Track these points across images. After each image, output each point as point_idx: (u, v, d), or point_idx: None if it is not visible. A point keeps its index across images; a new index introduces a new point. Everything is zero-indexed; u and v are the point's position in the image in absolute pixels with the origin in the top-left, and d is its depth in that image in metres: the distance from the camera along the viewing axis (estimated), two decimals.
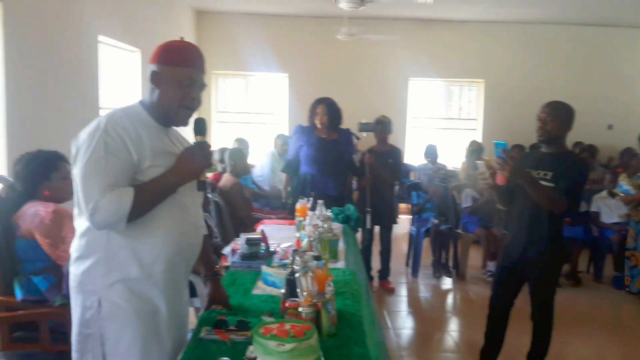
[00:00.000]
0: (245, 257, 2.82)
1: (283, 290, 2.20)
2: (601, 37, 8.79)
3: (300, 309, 2.00)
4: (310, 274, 2.07)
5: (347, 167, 4.71)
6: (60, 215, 2.45)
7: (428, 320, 4.65)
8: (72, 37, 4.50)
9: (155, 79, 1.80)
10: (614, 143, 8.19)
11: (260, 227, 3.70)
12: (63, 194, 2.61)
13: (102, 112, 4.99)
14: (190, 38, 8.08)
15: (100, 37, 5.06)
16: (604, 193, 5.68)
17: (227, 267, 2.88)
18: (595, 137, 8.08)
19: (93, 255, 1.76)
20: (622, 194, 5.51)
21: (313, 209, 3.66)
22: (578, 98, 8.15)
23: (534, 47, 8.82)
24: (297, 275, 2.05)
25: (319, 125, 4.50)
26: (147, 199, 1.72)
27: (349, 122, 6.76)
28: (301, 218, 3.56)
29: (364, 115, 8.50)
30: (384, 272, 5.24)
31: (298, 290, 2.06)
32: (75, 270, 1.81)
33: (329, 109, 4.49)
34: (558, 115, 2.94)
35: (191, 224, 1.92)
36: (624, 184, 5.56)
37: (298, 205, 3.66)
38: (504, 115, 8.66)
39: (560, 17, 8.33)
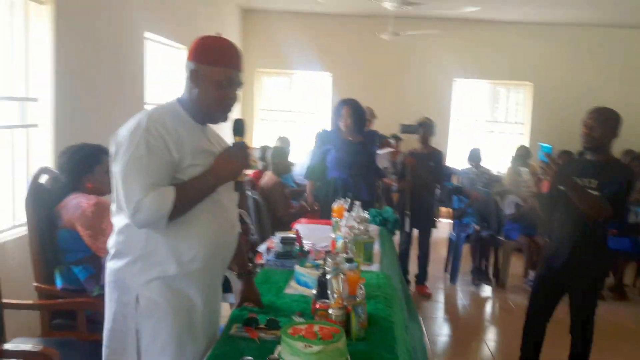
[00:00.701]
0: (279, 255, 2.83)
1: (314, 291, 2.19)
2: None
3: (330, 311, 1.99)
4: (341, 276, 2.05)
5: (377, 171, 4.62)
6: (102, 208, 2.51)
7: (464, 328, 4.56)
8: (120, 33, 4.62)
9: (194, 77, 1.81)
10: None
11: (296, 226, 3.70)
12: (105, 187, 2.67)
13: (147, 108, 5.08)
14: (235, 35, 8.19)
15: (147, 34, 5.17)
16: None
17: (261, 265, 2.89)
18: None
19: (131, 253, 1.79)
20: None
21: (350, 210, 3.64)
22: (630, 104, 7.89)
23: (585, 50, 8.52)
24: (328, 276, 2.03)
25: (343, 128, 4.35)
26: (188, 198, 1.73)
27: (391, 122, 6.71)
28: (337, 219, 3.55)
29: (407, 116, 8.46)
30: (422, 276, 5.16)
31: (329, 291, 2.05)
32: (112, 266, 1.84)
33: (353, 111, 4.33)
34: (604, 122, 2.85)
35: (228, 223, 1.94)
36: None
37: (335, 206, 3.65)
38: (552, 119, 8.40)
39: (613, 20, 8.02)
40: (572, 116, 7.02)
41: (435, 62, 8.60)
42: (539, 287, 3.17)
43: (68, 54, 3.79)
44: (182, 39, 5.98)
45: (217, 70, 1.79)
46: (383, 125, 6.96)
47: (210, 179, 1.77)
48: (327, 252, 2.29)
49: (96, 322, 2.43)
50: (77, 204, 2.54)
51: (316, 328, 1.80)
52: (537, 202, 3.11)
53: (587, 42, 8.51)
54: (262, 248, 3.16)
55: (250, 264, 2.23)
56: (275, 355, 1.74)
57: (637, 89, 8.36)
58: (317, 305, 2.04)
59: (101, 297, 2.40)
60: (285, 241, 2.87)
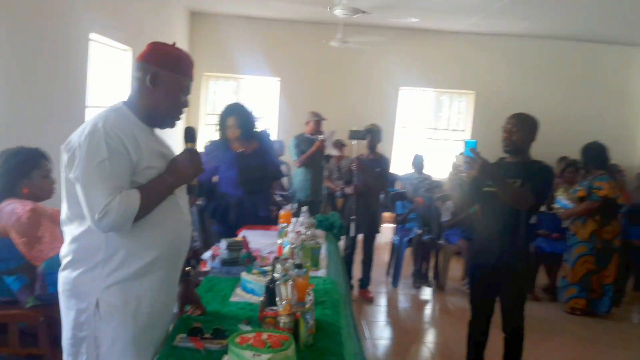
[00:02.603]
0: (225, 262, 2.80)
1: (262, 298, 2.18)
2: (592, 53, 8.86)
3: (278, 318, 1.99)
4: (290, 282, 2.06)
5: (274, 177, 4.29)
6: (38, 214, 2.41)
7: (406, 330, 4.64)
8: (63, 34, 4.44)
9: (156, 81, 1.81)
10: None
11: (242, 233, 3.67)
12: (43, 192, 2.58)
13: (89, 111, 4.92)
14: (183, 39, 8.06)
15: (92, 35, 5.01)
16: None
17: (205, 273, 2.85)
18: None
19: (90, 259, 1.77)
20: (561, 209, 5.29)
21: (296, 215, 3.66)
22: (568, 113, 8.23)
23: (525, 60, 8.89)
24: (277, 283, 2.03)
25: (232, 139, 3.98)
26: (150, 200, 1.75)
27: (338, 128, 6.78)
28: (284, 224, 3.55)
29: (354, 122, 8.52)
30: (365, 281, 5.23)
31: (277, 298, 2.05)
32: (68, 275, 1.80)
33: (240, 119, 3.94)
34: (523, 126, 3.02)
35: (185, 223, 1.95)
36: (562, 199, 5.33)
37: (282, 212, 3.65)
38: (493, 127, 8.64)
39: (553, 32, 8.40)
40: None
41: (382, 70, 8.75)
42: (473, 288, 3.29)
43: (5, 53, 3.61)
44: (128, 41, 5.84)
45: (179, 78, 1.85)
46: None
47: (171, 181, 1.81)
48: (276, 258, 2.28)
49: (30, 334, 2.34)
50: (11, 210, 2.43)
51: (264, 336, 1.80)
52: (461, 191, 3.19)
53: (527, 53, 8.87)
54: (206, 255, 3.12)
55: (189, 267, 2.21)
56: None
57: (573, 98, 8.77)
58: (265, 313, 2.04)
59: (36, 308, 2.32)
60: (231, 247, 2.84)
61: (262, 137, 4.16)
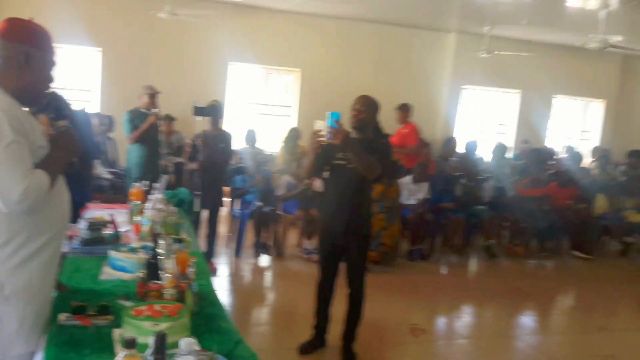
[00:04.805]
0: (86, 242, 2.76)
1: (140, 274, 2.25)
2: (403, 36, 9.84)
3: (164, 291, 2.09)
4: (173, 256, 2.17)
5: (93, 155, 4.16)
6: None
7: (250, 295, 4.93)
8: None
9: (27, 61, 1.78)
10: None
11: (91, 211, 3.57)
12: None
13: None
14: None
15: None
16: (409, 179, 6.45)
17: (64, 254, 2.77)
18: (392, 128, 9.10)
19: None
20: None
21: (149, 192, 3.66)
22: (382, 92, 9.04)
23: (347, 41, 9.54)
24: (160, 258, 2.13)
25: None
26: (52, 178, 1.75)
27: (171, 102, 6.68)
28: (137, 202, 3.54)
29: (183, 97, 8.43)
30: (210, 253, 5.36)
31: (161, 272, 2.15)
32: None
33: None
34: (369, 107, 3.42)
35: (68, 201, 1.96)
36: None
37: (133, 189, 3.63)
38: (317, 104, 9.23)
39: (371, 16, 9.13)
40: (336, 101, 7.91)
41: (212, 44, 8.72)
42: (322, 252, 3.65)
43: None
44: None
45: (49, 54, 1.86)
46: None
47: (63, 158, 1.84)
48: (157, 235, 2.35)
49: None
50: None
51: (158, 307, 1.92)
52: (309, 161, 3.45)
53: (347, 34, 9.52)
54: None
55: None
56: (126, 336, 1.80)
57: (386, 78, 9.67)
58: (149, 287, 2.13)
59: None
60: (92, 227, 2.81)
61: (73, 118, 3.98)
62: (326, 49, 9.46)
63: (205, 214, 5.34)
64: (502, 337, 4.43)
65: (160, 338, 1.38)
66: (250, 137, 7.21)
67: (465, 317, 4.97)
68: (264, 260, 5.88)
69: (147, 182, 3.94)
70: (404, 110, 7.39)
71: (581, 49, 7.72)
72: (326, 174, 3.58)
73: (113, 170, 6.71)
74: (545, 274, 6.56)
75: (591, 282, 6.10)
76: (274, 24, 9.08)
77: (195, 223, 5.23)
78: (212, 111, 5.13)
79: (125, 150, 5.92)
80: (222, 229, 6.26)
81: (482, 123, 10.77)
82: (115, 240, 2.77)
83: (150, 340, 1.41)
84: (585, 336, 4.55)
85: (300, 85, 9.55)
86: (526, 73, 10.39)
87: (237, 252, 5.84)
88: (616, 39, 6.09)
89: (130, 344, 1.34)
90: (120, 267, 2.51)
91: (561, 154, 9.63)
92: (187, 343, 1.43)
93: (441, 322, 4.74)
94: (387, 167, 3.49)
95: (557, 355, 4.10)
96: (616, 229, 7.23)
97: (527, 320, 5.05)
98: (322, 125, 3.25)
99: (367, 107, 3.41)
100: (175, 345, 1.58)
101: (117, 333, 1.87)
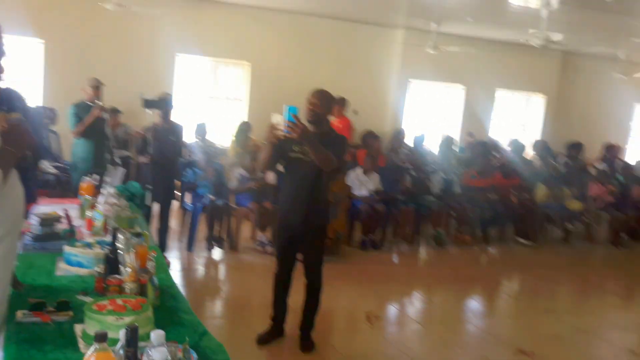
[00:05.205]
0: (39, 238, 2.68)
1: (98, 269, 2.22)
2: (353, 31, 9.91)
3: (124, 285, 2.07)
4: (133, 250, 2.15)
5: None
6: None
7: (203, 289, 4.91)
8: None
9: None
10: (357, 127, 9.38)
11: (36, 208, 3.46)
12: None
13: None
14: None
15: None
16: (358, 170, 6.55)
17: None
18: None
19: None
20: None
21: (100, 187, 3.59)
22: (333, 86, 9.04)
23: (296, 36, 9.53)
24: (120, 252, 2.10)
25: None
26: (6, 171, 1.70)
27: (117, 95, 6.51)
28: (88, 197, 3.47)
29: (129, 88, 8.22)
30: (162, 247, 5.28)
31: (121, 267, 2.12)
32: None
33: None
34: (325, 101, 3.45)
35: (21, 195, 1.90)
36: None
37: (84, 183, 3.54)
38: (267, 97, 9.20)
39: (321, 10, 9.17)
40: (287, 95, 7.94)
41: (159, 36, 8.51)
42: (280, 242, 3.67)
43: None
44: None
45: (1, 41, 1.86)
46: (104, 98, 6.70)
47: (15, 151, 1.76)
48: (117, 229, 2.31)
49: None
50: None
51: (120, 301, 1.90)
52: (266, 152, 3.45)
53: (298, 29, 9.51)
54: None
55: None
56: (79, 332, 1.79)
57: (335, 72, 9.71)
58: (108, 281, 2.10)
59: None
60: (44, 223, 2.73)
61: (27, 111, 3.86)
62: (276, 42, 9.44)
63: (156, 208, 5.27)
64: (453, 322, 4.59)
65: (132, 331, 1.37)
66: (201, 131, 7.13)
67: (417, 303, 5.12)
68: (217, 253, 5.84)
69: (97, 177, 3.86)
70: (341, 103, 7.48)
71: (523, 46, 8.05)
72: (281, 167, 3.60)
73: (57, 164, 6.48)
74: (492, 260, 6.83)
75: (535, 267, 6.39)
76: (222, 16, 8.97)
77: (147, 217, 5.14)
78: (162, 104, 5.05)
79: (69, 144, 5.74)
80: (174, 223, 6.19)
81: (429, 116, 11.03)
82: (70, 236, 2.70)
83: (121, 334, 1.41)
84: (531, 318, 4.77)
85: (250, 78, 9.48)
86: (471, 68, 10.69)
87: (190, 246, 5.77)
88: (557, 36, 6.37)
89: (100, 337, 1.33)
90: (77, 263, 2.46)
91: (505, 146, 10.00)
92: (158, 335, 1.43)
93: (395, 308, 4.85)
94: (342, 161, 3.55)
95: (506, 337, 4.28)
96: (557, 217, 7.60)
97: (475, 304, 5.25)
98: (279, 119, 3.26)
99: (323, 101, 3.43)
100: (141, 338, 1.57)
101: (78, 329, 1.85)
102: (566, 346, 4.21)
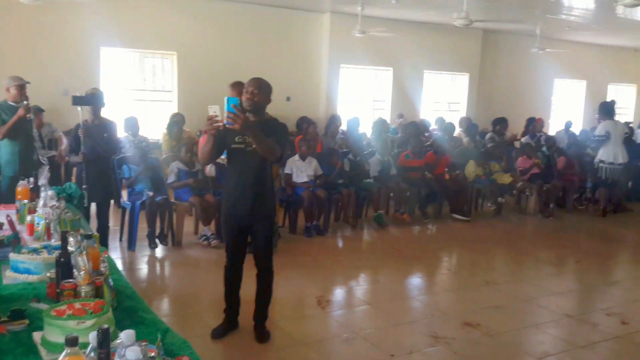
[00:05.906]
0: None
1: (50, 274, 2.15)
2: (283, 17, 9.93)
3: (79, 289, 2.02)
4: (85, 252, 2.09)
5: None
6: None
7: (149, 288, 4.78)
8: None
9: None
10: (291, 113, 9.38)
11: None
12: None
13: None
14: None
15: None
16: (296, 157, 6.58)
17: None
18: (275, 108, 9.15)
19: None
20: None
21: (36, 190, 3.45)
22: (264, 72, 9.04)
23: (222, 23, 9.42)
24: (73, 255, 2.04)
25: None
26: None
27: (39, 92, 6.20)
28: (25, 201, 3.33)
29: (51, 85, 7.88)
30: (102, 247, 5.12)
31: (75, 270, 2.06)
32: None
33: None
34: (263, 90, 3.43)
35: None
36: None
37: (19, 187, 3.38)
38: (198, 87, 9.04)
39: None
40: (217, 83, 7.80)
41: (80, 29, 8.18)
42: (228, 234, 3.65)
43: None
44: None
45: None
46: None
47: None
48: (66, 232, 2.23)
49: None
50: None
51: (78, 305, 1.86)
52: (208, 144, 3.41)
53: (222, 16, 9.41)
54: None
55: None
56: (38, 339, 1.74)
57: (266, 58, 9.67)
58: (62, 286, 2.04)
59: None
60: None
61: None
62: (202, 31, 9.29)
63: (93, 208, 5.09)
64: (400, 299, 4.74)
65: (103, 333, 1.35)
66: (131, 125, 6.91)
67: (364, 284, 5.24)
68: (161, 250, 5.73)
69: (31, 179, 3.69)
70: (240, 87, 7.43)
71: (447, 26, 8.31)
72: (223, 159, 3.56)
73: None
74: (430, 237, 7.07)
75: (471, 241, 6.67)
76: (146, 6, 8.72)
77: (86, 218, 4.97)
78: (92, 100, 4.88)
79: None
80: (112, 222, 5.99)
81: (361, 100, 11.21)
82: (15, 242, 2.58)
83: (91, 337, 1.38)
84: (473, 291, 5.00)
85: (178, 69, 9.29)
86: (397, 50, 10.95)
87: (131, 244, 5.62)
88: (477, 15, 6.62)
89: (71, 342, 1.30)
90: (25, 270, 2.37)
91: (434, 125, 10.33)
92: (129, 335, 1.42)
93: (344, 291, 4.95)
94: (285, 148, 3.56)
95: (451, 310, 4.46)
96: (489, 191, 7.95)
97: (420, 281, 5.44)
98: (216, 110, 3.22)
99: (261, 90, 3.40)
100: None
101: (37, 336, 1.79)
102: (508, 315, 4.44)
